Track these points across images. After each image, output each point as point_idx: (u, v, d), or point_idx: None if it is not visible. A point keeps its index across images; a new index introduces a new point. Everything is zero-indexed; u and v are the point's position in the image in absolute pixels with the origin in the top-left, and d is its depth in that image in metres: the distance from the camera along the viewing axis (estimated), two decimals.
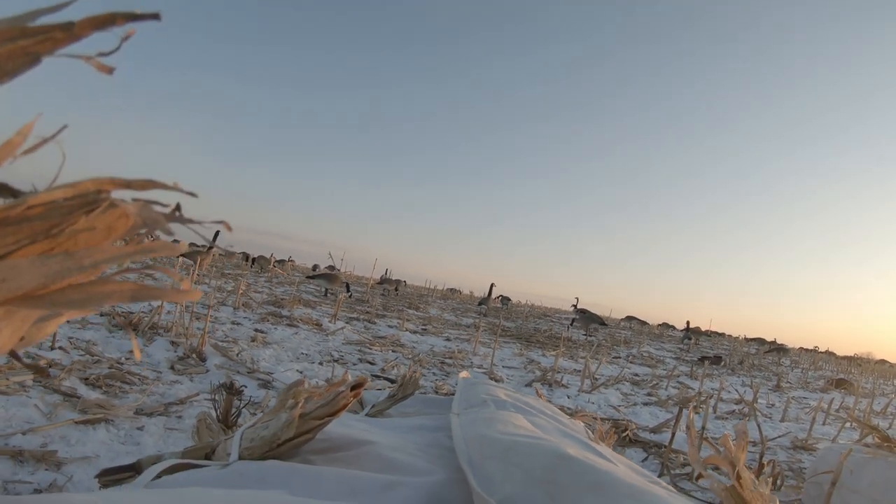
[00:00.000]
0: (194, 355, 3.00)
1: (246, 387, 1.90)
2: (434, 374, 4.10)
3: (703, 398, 4.66)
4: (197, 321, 3.92)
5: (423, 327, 7.25)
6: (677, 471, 2.49)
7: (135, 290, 0.28)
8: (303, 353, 3.91)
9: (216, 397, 1.69)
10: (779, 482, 2.30)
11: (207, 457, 1.06)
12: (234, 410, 1.60)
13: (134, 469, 1.08)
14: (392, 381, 3.39)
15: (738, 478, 0.83)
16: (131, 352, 2.84)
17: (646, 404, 4.21)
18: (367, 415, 1.60)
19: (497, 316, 12.42)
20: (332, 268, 14.36)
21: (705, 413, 2.54)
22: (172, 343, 3.15)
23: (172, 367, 2.74)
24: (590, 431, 1.56)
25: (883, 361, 18.31)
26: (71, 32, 0.25)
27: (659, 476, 2.37)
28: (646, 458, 2.68)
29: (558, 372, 4.92)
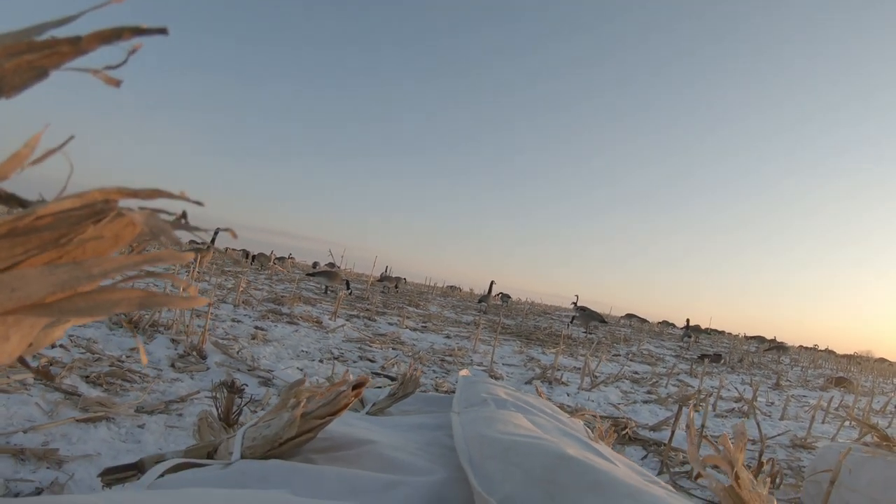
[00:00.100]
0: (195, 353, 3.00)
1: (247, 385, 1.90)
2: (434, 371, 4.11)
3: (702, 396, 4.67)
4: (197, 319, 3.93)
5: (423, 325, 7.26)
6: (677, 469, 2.50)
7: (143, 298, 0.28)
8: (303, 351, 3.91)
9: (217, 395, 1.69)
10: (778, 480, 2.31)
11: (209, 456, 1.07)
12: (235, 409, 1.61)
13: (136, 468, 1.09)
14: (392, 379, 3.39)
15: (737, 478, 0.84)
16: (132, 349, 2.84)
17: (645, 402, 4.22)
18: (367, 413, 1.61)
19: (497, 313, 12.43)
20: (332, 265, 14.37)
21: (705, 411, 2.55)
22: (173, 341, 3.15)
23: (173, 365, 2.75)
24: (590, 430, 1.57)
25: (882, 360, 18.31)
26: (78, 47, 0.25)
27: (658, 474, 2.37)
28: (645, 457, 2.69)
29: (558, 370, 4.93)
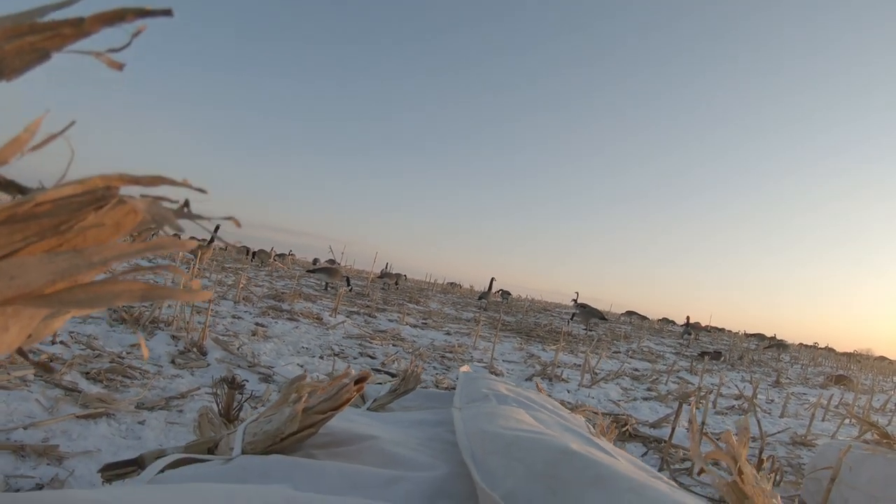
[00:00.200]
0: (195, 349, 3.00)
1: (247, 381, 1.90)
2: (434, 367, 4.11)
3: (702, 393, 4.67)
4: (198, 315, 3.92)
5: (424, 321, 7.26)
6: (677, 466, 2.50)
7: (145, 290, 0.27)
8: (303, 347, 3.91)
9: (217, 391, 1.69)
10: (778, 478, 2.31)
11: (210, 451, 1.06)
12: (235, 405, 1.61)
13: (136, 464, 1.08)
14: (392, 375, 3.39)
15: (740, 473, 0.84)
16: (132, 346, 2.84)
17: (646, 399, 4.22)
18: (368, 409, 1.60)
19: (497, 310, 12.43)
20: (332, 262, 14.38)
21: (705, 408, 2.55)
22: (173, 337, 3.15)
23: (173, 362, 2.75)
24: (590, 426, 1.57)
25: (882, 358, 18.33)
26: (80, 28, 0.25)
27: (659, 471, 2.37)
28: (645, 453, 2.69)
29: (558, 366, 4.93)
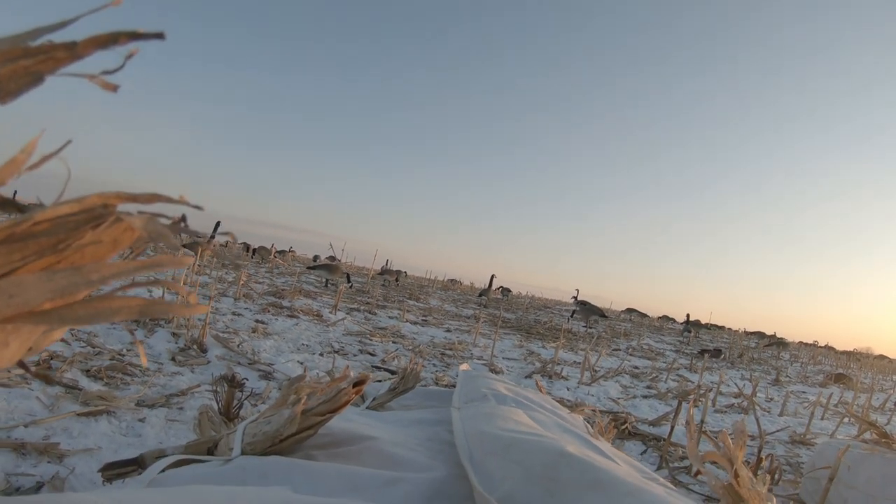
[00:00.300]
0: (195, 346, 3.01)
1: (247, 378, 1.91)
2: (434, 365, 4.11)
3: (702, 391, 4.67)
4: None
5: (424, 318, 7.27)
6: (676, 464, 2.51)
7: (143, 306, 0.28)
8: (303, 344, 3.92)
9: (217, 389, 1.70)
10: (776, 476, 2.31)
11: (210, 451, 1.07)
12: (235, 402, 1.61)
13: (137, 463, 1.09)
14: (392, 373, 3.40)
15: (736, 475, 0.84)
16: (133, 343, 2.84)
17: (645, 397, 4.23)
18: (368, 407, 1.61)
19: (497, 307, 12.43)
20: (332, 258, 14.39)
21: (704, 406, 2.55)
22: (173, 334, 3.16)
23: (173, 359, 2.75)
24: (589, 425, 1.57)
25: (882, 357, 18.35)
26: (73, 52, 0.25)
27: (657, 469, 2.38)
28: (644, 451, 2.70)
29: (558, 364, 4.94)
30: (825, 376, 8.12)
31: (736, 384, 5.46)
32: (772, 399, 5.25)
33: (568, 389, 4.07)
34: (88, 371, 2.26)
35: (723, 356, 8.77)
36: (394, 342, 4.81)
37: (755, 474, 0.88)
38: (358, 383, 1.01)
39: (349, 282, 9.53)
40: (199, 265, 7.16)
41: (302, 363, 3.27)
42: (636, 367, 5.92)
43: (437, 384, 3.35)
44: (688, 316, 13.50)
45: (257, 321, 4.41)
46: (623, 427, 2.97)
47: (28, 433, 1.63)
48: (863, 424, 2.19)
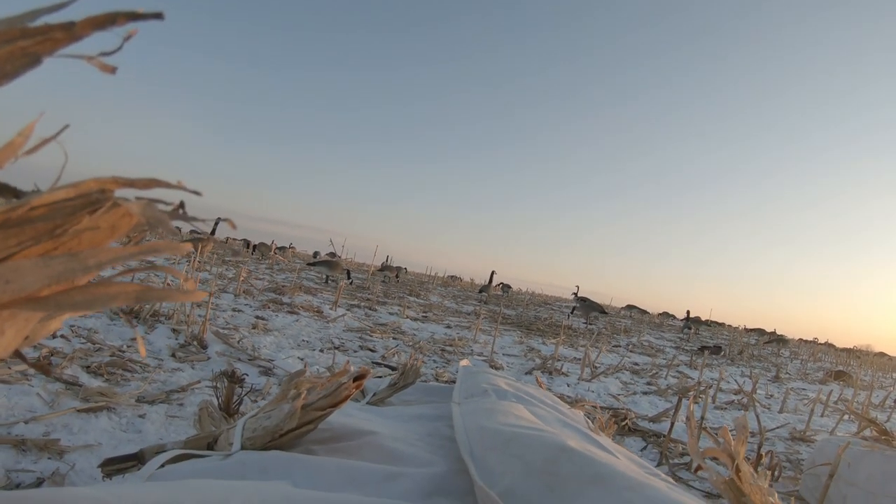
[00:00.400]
0: (195, 343, 3.01)
1: (247, 374, 1.90)
2: (434, 361, 4.11)
3: (702, 388, 4.68)
4: (198, 308, 3.93)
5: (424, 314, 7.26)
6: (676, 460, 2.51)
7: (139, 292, 0.27)
8: (304, 341, 3.92)
9: (218, 385, 1.69)
10: (776, 473, 2.31)
11: (210, 446, 1.07)
12: (235, 398, 1.61)
13: (136, 458, 1.09)
14: (393, 369, 3.40)
15: (738, 471, 0.84)
16: (133, 339, 2.84)
17: (645, 393, 4.23)
18: (368, 403, 1.61)
19: (497, 303, 12.43)
20: (332, 255, 14.38)
21: (704, 403, 2.55)
22: (174, 330, 3.16)
23: (174, 355, 2.75)
24: (590, 421, 1.57)
25: (882, 354, 18.34)
26: (71, 32, 0.25)
27: (657, 466, 2.38)
28: (645, 448, 2.70)
29: (558, 360, 4.94)
30: (825, 373, 8.12)
31: (736, 381, 5.46)
32: (772, 396, 5.26)
33: (568, 386, 4.07)
34: (89, 367, 2.26)
35: (723, 353, 8.77)
36: (394, 338, 4.81)
37: (755, 470, 0.88)
38: (358, 378, 1.01)
39: (349, 278, 9.53)
40: (199, 261, 7.16)
41: (302, 359, 3.27)
42: (636, 364, 5.92)
43: (437, 380, 3.35)
44: (688, 313, 13.50)
45: (257, 317, 4.41)
46: (623, 423, 2.97)
47: (28, 429, 1.63)
48: (863, 422, 2.18)
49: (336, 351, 3.73)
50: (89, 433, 1.70)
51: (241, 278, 5.64)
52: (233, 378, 1.64)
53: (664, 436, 2.66)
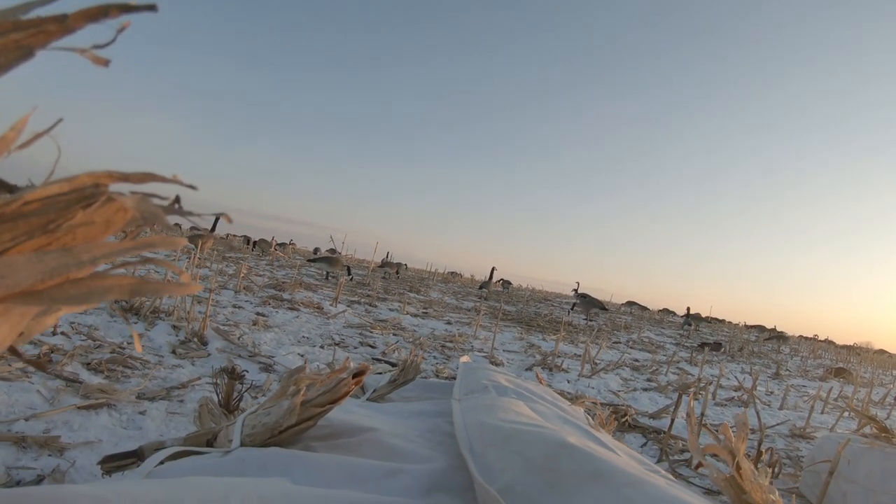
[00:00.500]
0: (196, 339, 3.01)
1: (247, 371, 1.90)
2: (435, 357, 4.12)
3: (702, 384, 4.68)
4: (198, 305, 3.93)
5: (424, 311, 7.27)
6: (676, 457, 2.51)
7: (134, 285, 0.27)
8: (304, 337, 3.92)
9: (218, 382, 1.69)
10: (776, 470, 2.31)
11: (209, 443, 1.06)
12: (235, 395, 1.61)
13: (136, 455, 1.09)
14: (393, 365, 3.40)
15: (738, 468, 0.84)
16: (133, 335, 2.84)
17: (645, 390, 4.23)
18: (368, 399, 1.61)
19: (498, 300, 12.43)
20: (333, 251, 14.37)
21: (705, 400, 2.55)
22: (174, 327, 3.16)
23: (174, 352, 2.75)
24: (590, 418, 1.57)
25: (882, 351, 18.31)
26: (64, 25, 0.24)
27: (657, 462, 2.38)
28: (645, 444, 2.70)
29: (558, 356, 4.94)
30: (825, 370, 8.12)
31: (736, 377, 5.47)
32: (772, 393, 5.26)
33: (568, 382, 4.07)
34: (89, 364, 2.26)
35: (723, 349, 8.77)
36: (394, 334, 4.81)
37: (755, 467, 0.88)
38: (358, 374, 1.01)
39: (349, 274, 9.53)
40: (199, 258, 7.16)
41: (302, 355, 3.27)
42: (636, 360, 5.93)
43: (437, 376, 3.35)
44: (688, 309, 13.50)
45: (258, 314, 4.42)
46: (623, 419, 2.97)
47: (29, 426, 1.63)
48: (863, 419, 2.18)
49: (336, 347, 3.73)
50: (90, 430, 1.70)
51: (242, 275, 5.64)
52: (233, 374, 1.64)
53: (664, 432, 2.66)
